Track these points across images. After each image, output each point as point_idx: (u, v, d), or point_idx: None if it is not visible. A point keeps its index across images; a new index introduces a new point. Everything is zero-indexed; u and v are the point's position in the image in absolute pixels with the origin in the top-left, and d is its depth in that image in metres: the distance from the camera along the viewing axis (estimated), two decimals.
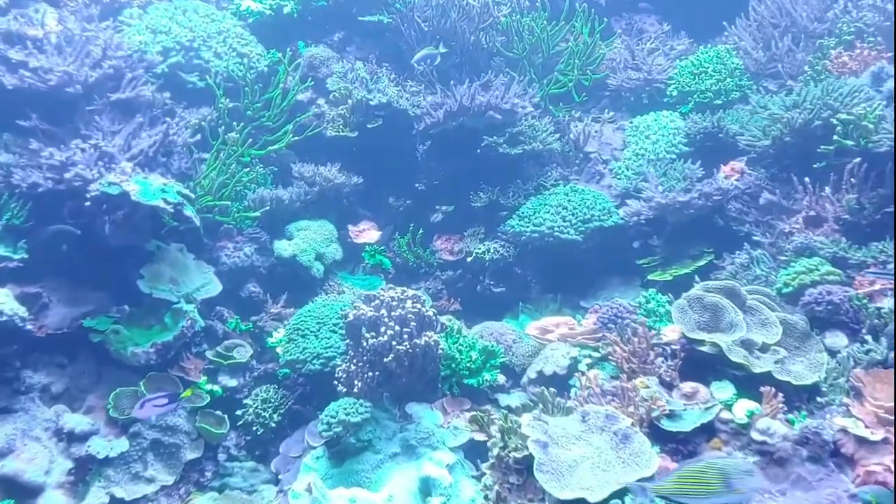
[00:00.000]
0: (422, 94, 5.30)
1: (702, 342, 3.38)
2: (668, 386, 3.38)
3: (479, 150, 5.09)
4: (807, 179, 3.97)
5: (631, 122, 5.33)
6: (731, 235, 4.41)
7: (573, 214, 4.69)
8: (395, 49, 5.70)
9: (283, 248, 4.91)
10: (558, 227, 4.66)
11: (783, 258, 3.87)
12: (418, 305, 4.05)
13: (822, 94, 4.07)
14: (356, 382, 3.93)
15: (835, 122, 3.95)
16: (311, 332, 4.35)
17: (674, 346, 3.55)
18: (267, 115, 5.24)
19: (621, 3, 6.36)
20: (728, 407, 3.21)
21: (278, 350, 4.53)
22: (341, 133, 5.20)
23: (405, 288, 4.22)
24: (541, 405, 3.27)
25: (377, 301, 4.05)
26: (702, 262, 4.36)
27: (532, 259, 4.94)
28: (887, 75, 4.13)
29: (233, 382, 4.38)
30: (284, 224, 5.14)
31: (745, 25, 5.29)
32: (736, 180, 4.47)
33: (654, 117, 5.17)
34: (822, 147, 3.99)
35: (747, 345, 3.34)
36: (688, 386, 3.31)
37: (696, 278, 4.18)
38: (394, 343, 3.87)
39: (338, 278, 5.09)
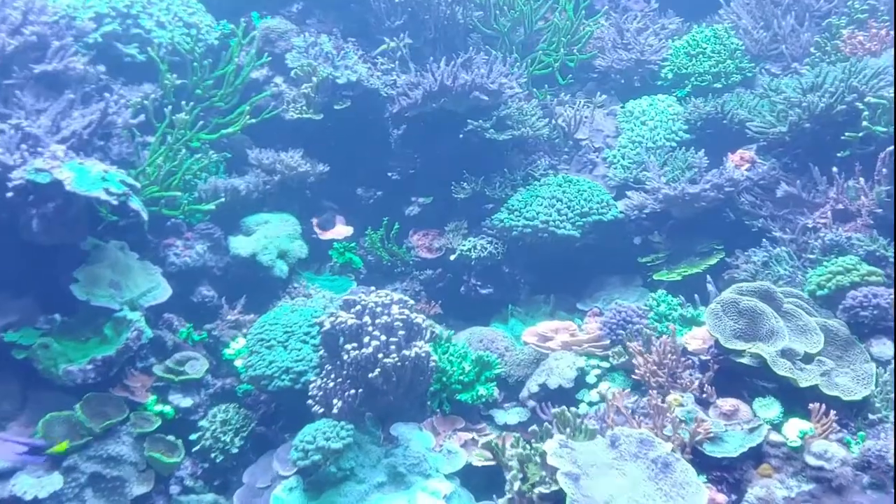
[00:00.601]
0: (395, 73, 4.81)
1: (740, 353, 3.02)
2: (704, 403, 3.01)
3: (461, 136, 4.63)
4: (835, 170, 3.66)
5: (623, 107, 4.96)
6: (741, 230, 4.09)
7: (569, 207, 4.29)
8: (361, 22, 5.19)
9: (240, 245, 4.36)
10: (553, 221, 4.25)
11: (810, 256, 3.55)
12: (406, 311, 3.59)
13: (845, 76, 3.77)
14: (335, 401, 3.44)
15: (860, 106, 3.66)
16: (279, 342, 3.83)
17: (703, 357, 3.19)
18: (219, 95, 4.67)
19: None
20: (776, 427, 2.85)
21: (237, 363, 4.00)
22: (304, 115, 4.67)
23: (389, 291, 3.75)
24: (567, 429, 2.85)
25: (358, 307, 3.57)
26: (712, 261, 4.02)
27: (522, 257, 4.53)
28: None
29: (186, 402, 3.82)
30: (241, 218, 4.59)
31: (742, 3, 4.98)
32: (746, 170, 4.15)
33: (649, 102, 4.82)
34: (847, 134, 3.69)
35: (789, 355, 2.99)
36: (727, 404, 2.95)
37: (709, 278, 3.84)
38: (380, 356, 3.40)
39: (303, 279, 4.57)
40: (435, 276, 4.74)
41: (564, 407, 3.00)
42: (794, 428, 2.80)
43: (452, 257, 4.57)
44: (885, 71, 3.75)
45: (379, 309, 3.57)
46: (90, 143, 3.87)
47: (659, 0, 5.82)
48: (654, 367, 3.19)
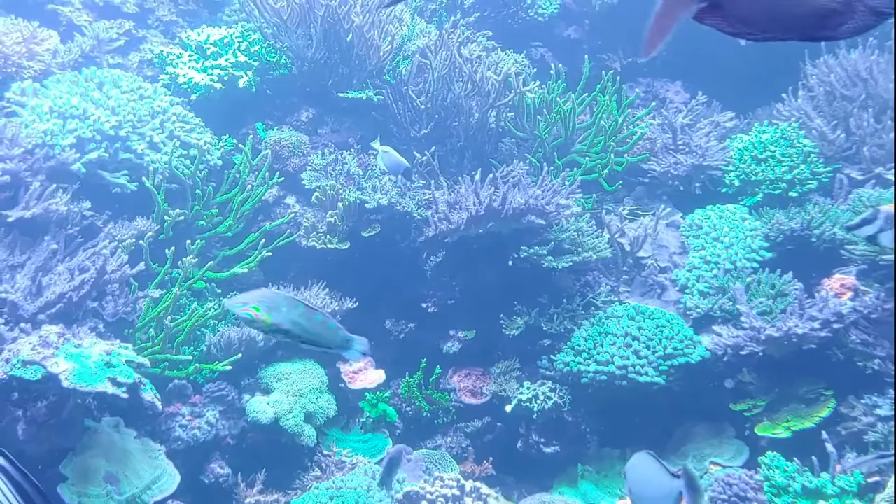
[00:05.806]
0: (430, 191, 4.34)
1: None
2: None
3: (510, 263, 4.17)
4: None
5: (684, 219, 4.54)
6: (849, 371, 3.64)
7: (648, 347, 3.82)
8: (378, 131, 4.71)
9: (260, 409, 3.77)
10: (632, 366, 3.77)
11: None
12: None
13: None
14: None
15: None
16: None
17: None
18: (226, 225, 4.15)
19: (637, 68, 5.66)
20: None
21: None
22: (329, 246, 4.15)
23: (456, 475, 3.21)
24: None
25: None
26: (823, 412, 3.56)
27: (588, 403, 4.02)
28: None
29: None
30: (252, 369, 4.02)
31: (808, 99, 4.63)
32: (850, 299, 3.73)
33: (718, 213, 4.41)
34: None
35: None
36: None
37: (825, 435, 3.37)
38: None
39: (331, 442, 4.00)
40: (483, 427, 4.20)
41: None
42: None
43: (508, 408, 4.04)
44: None
45: None
46: (81, 305, 3.31)
47: (692, 90, 5.51)
48: None
